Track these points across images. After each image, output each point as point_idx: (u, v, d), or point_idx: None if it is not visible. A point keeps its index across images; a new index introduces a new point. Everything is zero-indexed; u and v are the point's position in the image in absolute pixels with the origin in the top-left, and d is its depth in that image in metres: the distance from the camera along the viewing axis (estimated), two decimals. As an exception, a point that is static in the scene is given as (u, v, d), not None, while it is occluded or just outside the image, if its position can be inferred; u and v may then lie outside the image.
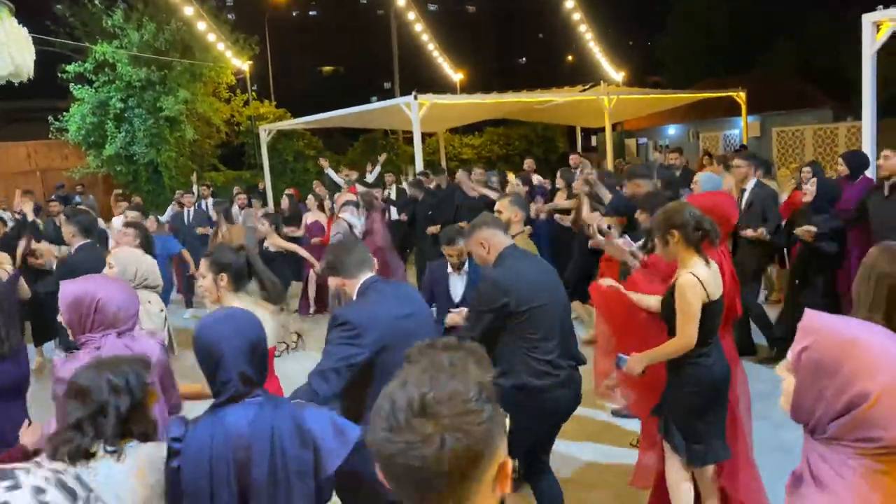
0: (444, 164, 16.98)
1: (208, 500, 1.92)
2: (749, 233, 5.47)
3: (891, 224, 5.00)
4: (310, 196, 9.66)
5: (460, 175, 8.37)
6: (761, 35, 24.74)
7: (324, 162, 13.24)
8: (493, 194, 7.57)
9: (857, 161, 5.86)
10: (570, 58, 34.23)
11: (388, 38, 26.18)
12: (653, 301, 3.45)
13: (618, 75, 20.92)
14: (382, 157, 13.65)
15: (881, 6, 6.47)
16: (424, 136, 16.01)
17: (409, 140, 16.83)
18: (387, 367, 2.66)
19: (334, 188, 11.73)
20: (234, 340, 2.01)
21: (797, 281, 5.45)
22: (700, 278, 3.11)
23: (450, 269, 4.62)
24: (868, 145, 6.61)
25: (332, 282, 3.02)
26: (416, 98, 10.33)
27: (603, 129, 14.95)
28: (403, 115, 10.68)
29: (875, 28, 6.46)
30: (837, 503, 1.31)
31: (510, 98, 13.27)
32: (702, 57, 26.53)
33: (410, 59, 25.01)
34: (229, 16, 19.91)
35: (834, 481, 1.32)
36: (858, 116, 6.63)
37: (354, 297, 2.89)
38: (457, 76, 21.72)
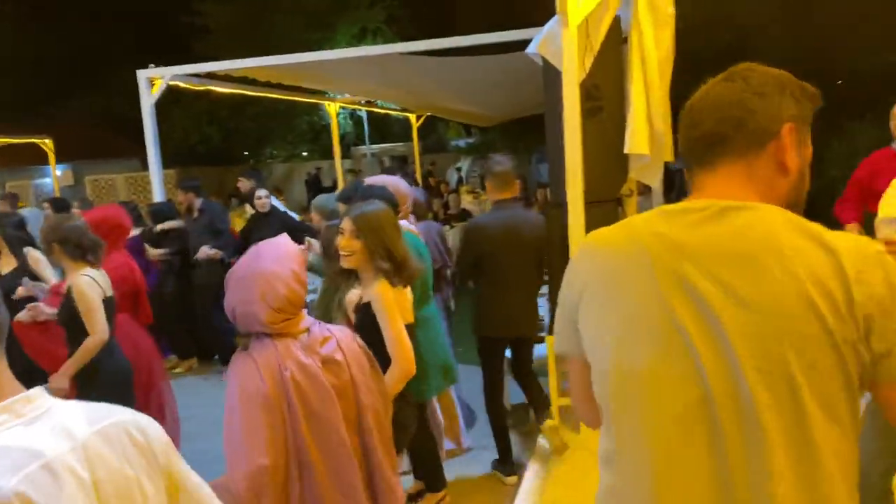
0: None
1: None
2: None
3: (204, 240, 6.75)
4: None
5: None
6: (69, 81, 24.46)
7: None
8: None
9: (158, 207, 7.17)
10: None
11: None
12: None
13: None
14: None
15: (153, 64, 7.31)
16: None
17: None
18: None
19: None
20: None
21: None
22: (92, 276, 3.48)
23: None
24: (157, 189, 7.32)
25: None
26: None
27: None
28: None
29: (150, 83, 7.24)
30: (255, 349, 2.03)
31: None
32: (6, 100, 24.56)
33: None
34: None
35: (258, 340, 2.06)
36: (161, 165, 7.33)
37: None
38: None
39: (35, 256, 5.00)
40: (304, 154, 24.93)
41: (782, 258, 1.04)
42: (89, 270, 3.53)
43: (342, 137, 19.16)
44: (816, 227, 1.08)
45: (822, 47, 9.76)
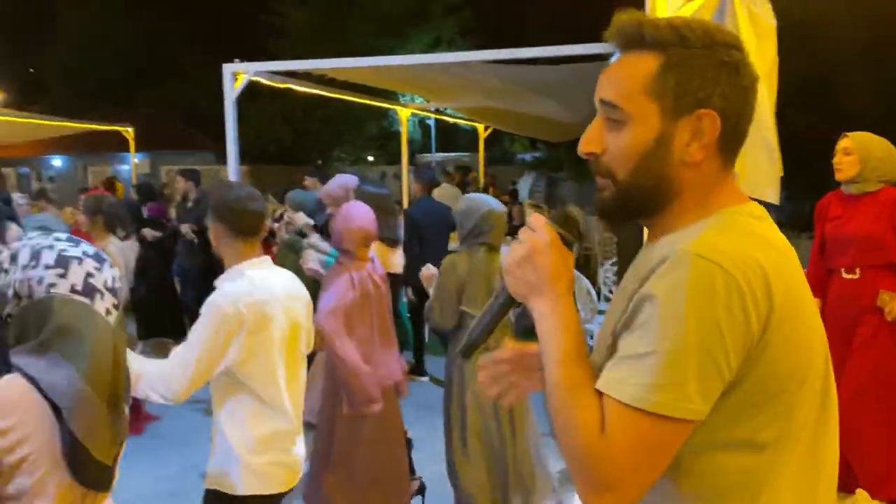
0: None
1: None
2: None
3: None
4: None
5: None
6: (149, 72, 25.37)
7: None
8: None
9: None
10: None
11: None
12: None
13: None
14: None
15: (238, 59, 7.52)
16: None
17: None
18: None
19: None
20: None
21: None
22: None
23: None
24: (233, 183, 7.54)
25: None
26: None
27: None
28: None
29: (234, 78, 7.46)
30: (346, 267, 3.39)
31: None
32: (89, 87, 25.68)
33: None
34: None
35: (348, 261, 3.44)
36: (238, 160, 7.54)
37: None
38: None
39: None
40: (371, 159, 25.26)
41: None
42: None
43: (409, 144, 19.35)
44: None
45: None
